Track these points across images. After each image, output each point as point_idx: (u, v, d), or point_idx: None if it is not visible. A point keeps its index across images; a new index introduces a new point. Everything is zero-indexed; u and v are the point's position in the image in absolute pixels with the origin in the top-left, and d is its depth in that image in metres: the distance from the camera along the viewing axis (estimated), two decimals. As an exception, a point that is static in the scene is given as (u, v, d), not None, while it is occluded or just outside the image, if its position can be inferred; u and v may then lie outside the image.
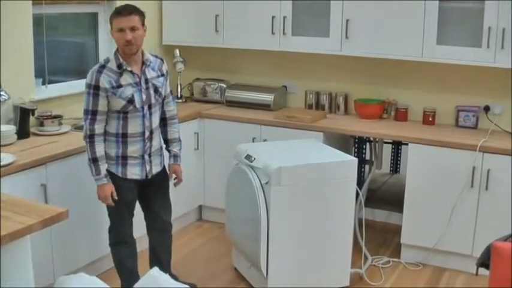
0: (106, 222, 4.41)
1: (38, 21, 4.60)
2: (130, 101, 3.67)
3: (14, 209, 2.82)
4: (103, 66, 3.67)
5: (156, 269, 2.73)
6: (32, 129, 4.40)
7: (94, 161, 3.68)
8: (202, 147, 5.41)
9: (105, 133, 3.73)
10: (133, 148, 3.78)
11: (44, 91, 4.72)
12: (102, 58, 5.27)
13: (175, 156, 4.09)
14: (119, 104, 3.65)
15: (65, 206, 2.96)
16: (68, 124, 4.63)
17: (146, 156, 3.84)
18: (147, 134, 3.79)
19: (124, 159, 3.78)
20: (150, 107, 3.78)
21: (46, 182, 3.89)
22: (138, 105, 3.70)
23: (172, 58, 5.71)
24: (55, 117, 4.51)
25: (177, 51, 5.51)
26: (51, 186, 3.92)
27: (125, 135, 3.74)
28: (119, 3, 5.12)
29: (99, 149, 3.68)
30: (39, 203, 3.49)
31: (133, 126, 3.74)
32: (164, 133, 4.05)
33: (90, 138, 3.67)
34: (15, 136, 4.18)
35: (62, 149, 4.06)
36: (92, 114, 3.65)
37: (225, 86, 5.82)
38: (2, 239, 2.52)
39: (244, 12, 5.40)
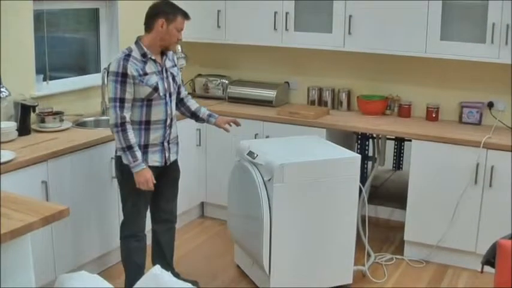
0: (107, 219, 4.42)
1: (38, 17, 4.58)
2: (156, 88, 3.76)
3: (15, 207, 2.80)
4: (128, 55, 3.73)
5: (157, 267, 2.72)
6: (33, 126, 4.38)
7: (129, 148, 3.70)
8: (204, 144, 5.39)
9: None
10: (155, 135, 3.85)
11: (45, 87, 4.70)
12: (103, 54, 5.28)
13: (210, 115, 4.25)
14: (144, 91, 3.73)
15: (66, 203, 2.94)
16: (69, 120, 4.61)
17: (166, 143, 3.92)
18: (168, 121, 3.90)
19: (145, 147, 3.84)
20: (170, 95, 3.90)
21: (47, 179, 3.87)
22: (161, 93, 3.81)
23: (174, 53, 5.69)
24: (56, 113, 4.49)
25: (179, 47, 5.47)
26: (52, 184, 3.90)
27: (148, 123, 3.81)
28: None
29: (132, 136, 3.71)
30: (40, 201, 3.48)
31: (157, 114, 3.82)
32: (186, 108, 4.21)
33: (122, 126, 3.68)
34: (16, 133, 4.16)
35: (63, 145, 4.04)
36: (120, 101, 3.69)
37: (227, 82, 5.81)
38: (2, 237, 2.50)
39: (247, 7, 5.38)
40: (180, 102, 4.17)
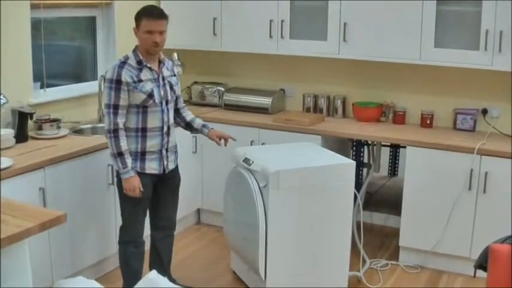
0: (105, 225, 4.43)
1: (36, 25, 4.61)
2: (150, 95, 3.78)
3: (12, 213, 2.82)
4: (124, 62, 3.77)
5: (154, 272, 2.73)
6: (31, 133, 4.39)
7: (120, 155, 3.74)
8: (201, 151, 5.41)
9: (125, 129, 3.79)
10: (152, 143, 3.87)
11: (42, 95, 4.73)
12: (100, 61, 5.31)
13: (204, 125, 4.24)
14: (139, 98, 3.75)
15: (63, 210, 2.96)
16: (66, 128, 4.64)
17: (164, 151, 3.94)
18: (165, 129, 3.91)
19: (143, 154, 3.86)
20: (167, 103, 3.91)
21: (44, 185, 3.89)
22: (157, 100, 3.82)
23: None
24: (53, 120, 4.51)
25: (175, 55, 5.51)
26: (49, 190, 3.92)
27: (144, 130, 3.83)
28: (116, 7, 5.17)
29: (124, 143, 3.75)
30: (38, 207, 3.49)
31: (153, 121, 3.84)
32: (182, 118, 4.22)
33: (115, 132, 3.73)
34: (14, 140, 4.17)
35: (61, 152, 4.06)
36: (114, 108, 3.72)
37: (223, 89, 5.83)
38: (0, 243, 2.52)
39: (242, 15, 5.41)
40: (176, 112, 4.17)
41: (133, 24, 3.79)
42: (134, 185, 3.77)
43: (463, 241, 4.56)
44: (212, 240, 5.35)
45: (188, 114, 4.25)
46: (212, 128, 4.25)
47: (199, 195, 5.55)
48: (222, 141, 4.25)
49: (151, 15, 3.74)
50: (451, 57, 4.68)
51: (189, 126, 4.25)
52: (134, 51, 3.82)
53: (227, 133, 4.28)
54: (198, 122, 4.25)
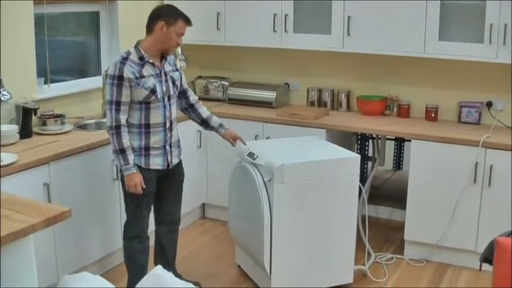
0: (109, 220, 4.43)
1: (39, 20, 4.60)
2: (153, 91, 3.78)
3: (17, 209, 2.82)
4: (125, 58, 3.76)
5: (159, 267, 2.74)
6: (35, 129, 4.40)
7: (122, 151, 3.74)
8: (205, 145, 5.42)
9: (128, 125, 3.79)
10: (156, 138, 3.86)
11: (46, 90, 4.72)
12: (103, 57, 5.31)
13: (221, 125, 4.24)
14: (141, 94, 3.74)
15: (68, 205, 2.96)
16: (71, 123, 4.64)
17: (167, 147, 3.94)
18: (168, 124, 3.90)
19: (147, 150, 3.86)
20: (169, 98, 3.90)
21: (49, 181, 3.89)
22: (159, 96, 3.81)
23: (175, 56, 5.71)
24: (57, 116, 4.51)
25: (179, 49, 5.50)
26: (54, 186, 3.92)
27: (147, 126, 3.83)
28: (120, 2, 5.16)
29: (126, 140, 3.75)
30: (43, 202, 3.50)
31: (155, 117, 3.83)
32: (197, 115, 4.21)
33: (116, 129, 3.73)
34: (18, 136, 4.17)
35: (65, 148, 4.06)
36: (116, 104, 3.72)
37: (227, 83, 5.83)
38: (5, 239, 2.52)
39: (246, 9, 5.41)
40: (191, 107, 4.19)
41: (157, 21, 3.75)
42: (136, 181, 3.77)
43: (468, 234, 4.56)
44: (217, 234, 5.35)
45: (204, 110, 4.23)
46: (228, 129, 4.25)
47: (204, 190, 5.55)
48: (238, 141, 4.26)
49: (188, 20, 3.84)
50: (456, 50, 4.67)
51: (204, 123, 4.24)
52: (136, 46, 3.81)
53: (240, 135, 4.28)
54: (214, 121, 4.24)
